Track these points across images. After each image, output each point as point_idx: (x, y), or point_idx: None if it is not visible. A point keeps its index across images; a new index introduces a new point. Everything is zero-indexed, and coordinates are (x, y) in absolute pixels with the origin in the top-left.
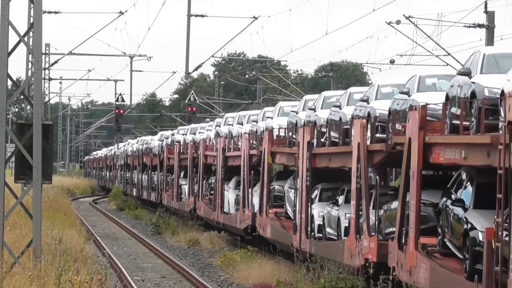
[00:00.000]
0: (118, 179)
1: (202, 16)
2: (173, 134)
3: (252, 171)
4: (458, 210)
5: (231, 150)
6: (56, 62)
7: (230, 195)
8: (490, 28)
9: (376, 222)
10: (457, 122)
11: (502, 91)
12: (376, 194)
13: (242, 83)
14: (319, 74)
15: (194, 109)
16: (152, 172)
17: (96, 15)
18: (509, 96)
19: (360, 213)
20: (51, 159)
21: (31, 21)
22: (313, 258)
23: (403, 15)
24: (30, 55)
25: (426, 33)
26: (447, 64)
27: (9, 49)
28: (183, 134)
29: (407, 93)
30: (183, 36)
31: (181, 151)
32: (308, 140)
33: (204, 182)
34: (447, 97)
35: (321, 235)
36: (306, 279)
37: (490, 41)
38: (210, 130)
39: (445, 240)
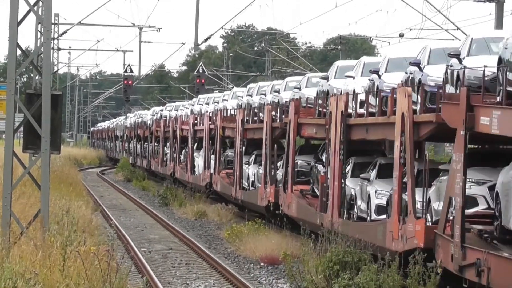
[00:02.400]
0: (118, 149)
1: None
2: (161, 110)
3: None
4: (319, 167)
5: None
6: (65, 32)
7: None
8: (500, 2)
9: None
10: None
11: None
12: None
13: (251, 56)
14: (328, 47)
15: (203, 80)
16: (146, 143)
17: None
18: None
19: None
20: (60, 129)
21: None
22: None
23: None
24: (40, 25)
25: (436, 7)
26: (457, 39)
27: (19, 19)
28: (169, 110)
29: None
30: (192, 7)
31: (166, 124)
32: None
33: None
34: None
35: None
36: (313, 252)
37: (499, 15)
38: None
39: (313, 186)
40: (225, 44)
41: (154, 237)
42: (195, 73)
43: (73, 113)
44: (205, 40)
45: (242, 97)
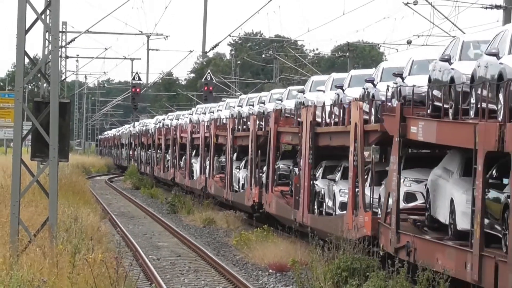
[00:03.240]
0: (124, 156)
1: None
2: (163, 119)
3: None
4: (296, 170)
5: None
6: (73, 40)
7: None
8: (507, 9)
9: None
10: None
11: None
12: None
13: (259, 63)
14: (336, 54)
15: (211, 88)
16: (149, 150)
17: None
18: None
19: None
20: (68, 137)
21: None
22: (325, 238)
23: None
24: (48, 33)
25: (443, 14)
26: None
27: (27, 27)
28: (170, 119)
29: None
30: (200, 15)
31: (168, 133)
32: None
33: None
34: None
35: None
36: (321, 259)
37: (507, 22)
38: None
39: (292, 187)
40: (233, 52)
41: (163, 244)
42: (203, 80)
43: (81, 121)
44: (213, 48)
45: (234, 107)
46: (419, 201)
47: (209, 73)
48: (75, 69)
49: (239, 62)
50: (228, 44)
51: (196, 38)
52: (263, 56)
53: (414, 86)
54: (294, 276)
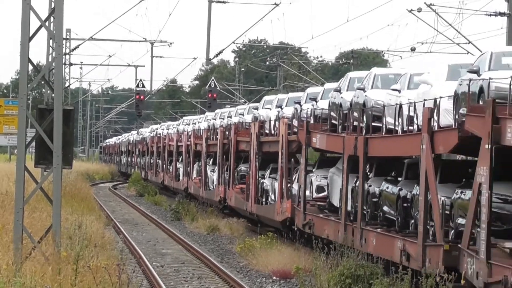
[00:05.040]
0: (123, 163)
1: (224, 2)
2: (157, 128)
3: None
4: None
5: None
6: (77, 47)
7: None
8: (511, 16)
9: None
10: None
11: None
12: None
13: (263, 70)
14: (340, 61)
15: (215, 95)
16: (146, 157)
17: (117, 0)
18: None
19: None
20: (72, 144)
21: (52, 6)
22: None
23: (424, 2)
24: (51, 40)
25: (447, 21)
26: (468, 52)
27: (30, 34)
28: (162, 129)
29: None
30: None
31: (159, 141)
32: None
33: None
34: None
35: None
36: (325, 266)
37: (511, 29)
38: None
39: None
40: (237, 59)
41: (167, 251)
42: (207, 87)
43: (85, 128)
44: (217, 55)
45: (210, 120)
46: (326, 192)
47: (213, 80)
48: (79, 76)
49: (243, 69)
50: (232, 51)
51: (200, 45)
52: (267, 63)
53: (314, 108)
54: (298, 283)
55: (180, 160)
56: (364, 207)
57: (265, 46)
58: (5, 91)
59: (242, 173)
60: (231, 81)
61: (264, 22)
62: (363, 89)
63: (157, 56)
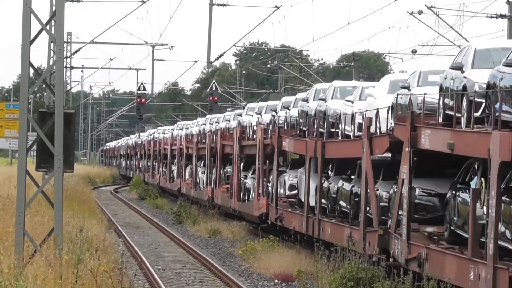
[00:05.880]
0: (122, 166)
1: (224, 5)
2: (153, 133)
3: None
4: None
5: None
6: (78, 50)
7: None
8: None
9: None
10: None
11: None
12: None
13: (264, 73)
14: (341, 64)
15: (216, 98)
16: (141, 160)
17: (118, 3)
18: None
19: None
20: (73, 148)
21: (53, 9)
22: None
23: (425, 5)
24: (52, 44)
25: (448, 23)
26: None
27: (31, 37)
28: (159, 133)
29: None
30: (205, 25)
31: (154, 145)
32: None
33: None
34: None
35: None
36: (326, 269)
37: None
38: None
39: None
40: (238, 62)
41: (168, 254)
42: (208, 90)
43: (86, 131)
44: (218, 58)
45: (201, 125)
46: (297, 190)
47: (214, 83)
48: (80, 79)
49: (244, 72)
50: (233, 54)
51: (201, 48)
52: (268, 66)
53: (286, 116)
54: (299, 286)
55: (174, 162)
56: (325, 202)
57: (266, 49)
58: (6, 94)
59: (228, 174)
60: (232, 84)
61: (265, 25)
62: (324, 100)
63: (158, 59)
